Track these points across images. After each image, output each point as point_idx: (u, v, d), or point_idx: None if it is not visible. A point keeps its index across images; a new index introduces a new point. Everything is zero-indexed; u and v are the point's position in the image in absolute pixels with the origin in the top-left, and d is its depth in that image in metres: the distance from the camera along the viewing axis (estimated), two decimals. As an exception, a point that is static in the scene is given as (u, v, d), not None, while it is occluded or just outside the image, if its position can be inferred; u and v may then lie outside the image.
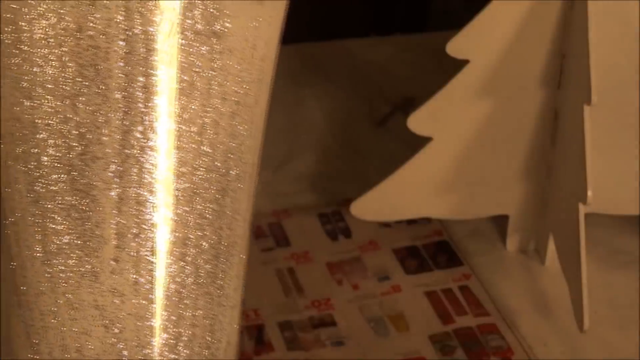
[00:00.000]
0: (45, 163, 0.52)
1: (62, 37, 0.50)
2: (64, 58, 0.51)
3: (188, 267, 0.54)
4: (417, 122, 0.93)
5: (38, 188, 0.52)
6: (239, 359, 0.62)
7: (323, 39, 1.35)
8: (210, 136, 0.54)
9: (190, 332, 0.55)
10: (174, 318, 0.54)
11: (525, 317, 0.94)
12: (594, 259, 0.96)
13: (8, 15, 0.50)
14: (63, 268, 0.53)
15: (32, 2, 0.50)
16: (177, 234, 0.54)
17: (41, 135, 0.52)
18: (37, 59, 0.51)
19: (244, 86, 0.55)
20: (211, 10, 0.52)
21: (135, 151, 0.52)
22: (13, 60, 0.51)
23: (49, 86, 0.51)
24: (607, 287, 0.96)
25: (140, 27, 0.51)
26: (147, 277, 0.53)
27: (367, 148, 1.17)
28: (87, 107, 0.51)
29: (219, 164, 0.55)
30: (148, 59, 0.51)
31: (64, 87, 0.51)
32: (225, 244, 0.56)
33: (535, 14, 0.88)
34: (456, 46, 0.89)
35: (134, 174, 0.52)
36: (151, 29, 0.51)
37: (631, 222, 1.02)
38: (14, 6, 0.50)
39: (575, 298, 0.87)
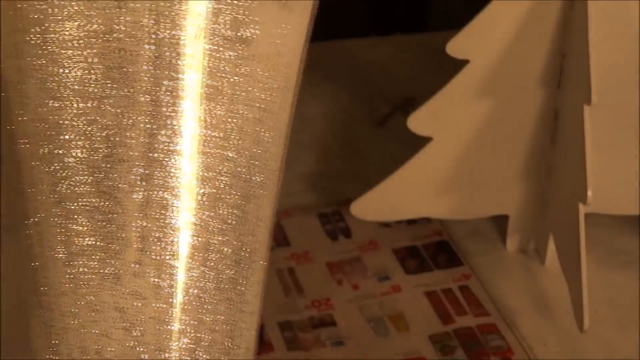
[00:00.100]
0: (70, 164, 0.52)
1: (90, 39, 0.50)
2: (91, 60, 0.51)
3: (210, 272, 0.54)
4: (417, 122, 0.93)
5: (62, 189, 0.52)
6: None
7: (323, 39, 1.35)
8: (235, 142, 0.54)
9: (210, 337, 0.55)
10: (194, 323, 0.54)
11: (525, 317, 0.94)
12: (594, 259, 0.96)
13: (36, 16, 0.50)
14: (85, 270, 0.53)
15: (61, 3, 0.50)
16: (199, 239, 0.53)
17: (66, 137, 0.52)
18: (65, 60, 0.51)
19: (270, 93, 0.55)
20: (239, 16, 0.52)
21: (160, 155, 0.52)
22: (40, 61, 0.51)
23: (76, 87, 0.51)
24: (607, 287, 0.96)
25: (167, 31, 0.51)
26: (169, 280, 0.53)
27: (367, 148, 1.17)
28: (114, 110, 0.51)
29: (243, 170, 0.54)
30: (174, 63, 0.51)
31: (90, 88, 0.51)
32: (247, 250, 0.56)
33: (535, 14, 0.88)
34: (456, 46, 0.89)
35: (159, 178, 0.52)
36: (178, 33, 0.51)
37: (631, 222, 1.02)
38: (43, 7, 0.50)
39: (575, 298, 0.87)
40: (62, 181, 0.52)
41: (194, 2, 0.51)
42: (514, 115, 0.94)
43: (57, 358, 0.54)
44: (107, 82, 0.51)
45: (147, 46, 0.50)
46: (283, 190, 1.19)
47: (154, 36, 0.50)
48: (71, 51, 0.51)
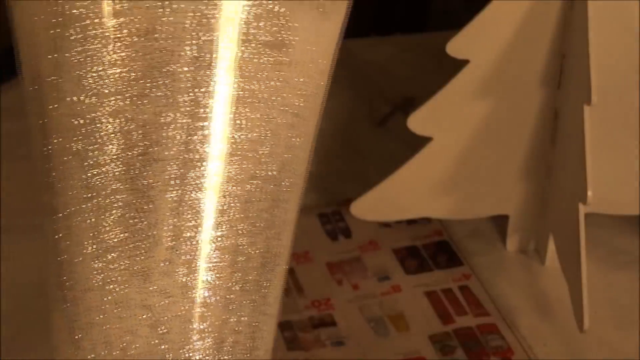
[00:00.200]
0: (104, 161, 0.52)
1: (132, 38, 0.51)
2: (131, 58, 0.51)
3: (236, 274, 0.55)
4: (417, 122, 0.93)
5: (95, 185, 0.52)
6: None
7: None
8: (268, 146, 0.54)
9: (233, 338, 0.55)
10: (218, 323, 0.54)
11: (525, 317, 0.94)
12: (594, 259, 0.96)
13: (77, 12, 0.51)
14: (114, 266, 0.53)
15: (104, 1, 0.50)
16: (229, 241, 0.54)
17: (102, 133, 0.52)
18: (104, 57, 0.51)
19: (303, 99, 0.55)
20: (279, 21, 0.52)
21: (195, 155, 0.52)
22: (78, 57, 0.51)
23: (114, 85, 0.51)
24: (607, 287, 0.96)
25: (208, 34, 0.51)
26: (197, 280, 0.53)
27: (367, 148, 1.17)
28: (152, 108, 0.51)
29: (274, 174, 0.55)
30: (214, 66, 0.51)
31: (129, 86, 0.51)
32: (273, 253, 0.56)
33: (535, 14, 0.88)
34: (456, 46, 0.89)
35: (193, 178, 0.52)
36: (218, 36, 0.51)
37: (631, 222, 1.02)
38: (85, 3, 0.50)
39: (575, 298, 0.87)
40: (95, 177, 0.52)
41: (235, 6, 0.51)
42: (514, 115, 0.94)
43: (79, 353, 0.54)
44: (147, 81, 0.51)
45: (188, 47, 0.51)
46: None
47: (195, 38, 0.51)
48: (111, 48, 0.51)
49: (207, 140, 0.52)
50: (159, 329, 0.53)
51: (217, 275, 0.54)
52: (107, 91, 0.51)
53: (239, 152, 0.53)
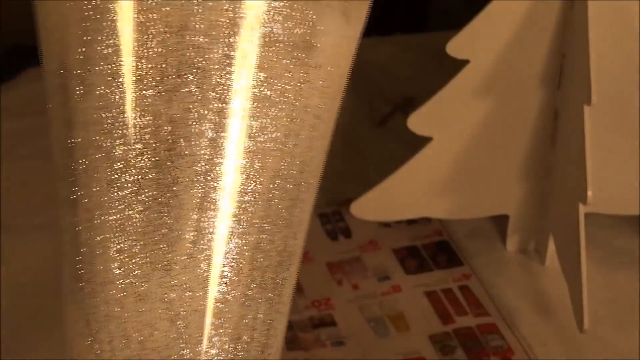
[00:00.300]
0: (130, 154, 0.52)
1: (165, 34, 0.51)
2: (163, 53, 0.51)
3: (255, 272, 0.55)
4: (417, 122, 0.93)
5: (119, 177, 0.53)
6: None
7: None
8: (291, 146, 0.55)
9: (248, 335, 0.56)
10: (236, 319, 0.55)
11: (525, 317, 0.94)
12: (594, 259, 0.96)
13: (109, 5, 0.51)
14: (136, 260, 0.53)
15: None
16: (250, 238, 0.54)
17: (129, 127, 0.52)
18: (135, 51, 0.51)
19: (324, 101, 0.56)
20: (307, 24, 0.53)
21: (221, 152, 0.53)
22: (107, 50, 0.52)
23: (144, 79, 0.52)
24: (607, 287, 0.96)
25: (239, 32, 0.52)
26: (217, 276, 0.54)
27: (367, 148, 1.17)
28: (181, 104, 0.52)
29: (295, 174, 0.56)
30: (242, 64, 0.52)
31: (160, 80, 0.51)
32: (289, 252, 0.57)
33: (535, 14, 0.88)
34: (456, 46, 0.89)
35: (218, 175, 0.53)
36: (248, 35, 0.52)
37: (631, 222, 1.02)
38: None
39: (575, 298, 0.87)
40: (121, 171, 0.53)
41: (265, 7, 0.52)
42: (514, 115, 0.94)
43: (97, 346, 0.54)
44: (178, 76, 0.51)
45: (220, 45, 0.51)
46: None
47: (226, 36, 0.51)
48: (143, 43, 0.51)
49: (233, 137, 0.53)
50: (177, 323, 0.54)
51: (237, 271, 0.54)
52: (137, 86, 0.52)
53: (263, 151, 0.54)
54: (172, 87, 0.52)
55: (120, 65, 0.52)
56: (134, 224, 0.53)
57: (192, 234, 0.53)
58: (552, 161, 0.95)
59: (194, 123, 0.52)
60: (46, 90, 0.55)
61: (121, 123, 0.52)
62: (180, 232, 0.53)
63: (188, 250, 0.53)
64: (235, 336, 0.55)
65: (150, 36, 0.51)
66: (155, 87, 0.52)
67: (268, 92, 0.53)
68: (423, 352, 0.90)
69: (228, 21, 0.51)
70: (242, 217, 0.54)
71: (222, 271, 0.54)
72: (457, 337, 0.91)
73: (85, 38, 0.52)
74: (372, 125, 1.21)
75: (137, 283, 0.53)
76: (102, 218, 0.53)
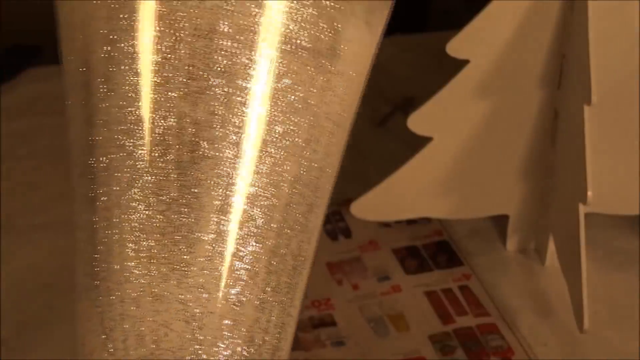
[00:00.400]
0: (153, 155, 0.52)
1: (193, 36, 0.51)
2: (190, 55, 0.51)
3: (271, 276, 0.55)
4: (417, 122, 0.93)
5: (140, 178, 0.53)
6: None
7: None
8: (311, 152, 0.55)
9: (261, 338, 0.56)
10: (250, 322, 0.55)
11: (525, 317, 0.94)
12: (594, 259, 0.96)
13: (136, 5, 0.51)
14: (154, 260, 0.53)
15: None
16: (267, 242, 0.55)
17: (153, 128, 0.52)
18: (163, 52, 0.51)
19: (343, 108, 0.57)
20: (332, 31, 0.54)
21: (243, 155, 0.53)
22: (132, 49, 0.52)
23: (170, 79, 0.52)
24: (607, 287, 0.96)
25: (267, 39, 0.52)
26: (234, 279, 0.54)
27: (367, 148, 1.17)
28: (206, 106, 0.52)
29: (313, 180, 0.56)
30: (268, 70, 0.52)
31: (186, 83, 0.52)
32: (303, 256, 0.57)
33: (535, 14, 0.88)
34: (456, 46, 0.88)
35: (239, 178, 0.53)
36: (275, 41, 0.52)
37: (631, 222, 1.02)
38: None
39: (575, 298, 0.87)
40: (142, 170, 0.53)
41: (293, 14, 0.52)
42: (513, 115, 0.94)
43: (110, 345, 0.54)
44: (205, 79, 0.52)
45: (247, 50, 0.52)
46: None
47: (255, 41, 0.52)
48: (170, 44, 0.51)
49: (255, 142, 0.53)
50: (193, 324, 0.53)
51: (253, 275, 0.54)
52: (162, 87, 0.52)
53: (284, 156, 0.54)
54: (198, 90, 0.52)
55: (145, 65, 0.52)
56: (154, 224, 0.53)
57: (211, 236, 0.53)
58: (552, 161, 0.95)
59: (218, 126, 0.52)
60: (65, 87, 0.55)
61: (144, 123, 0.52)
62: (199, 234, 0.53)
63: (207, 252, 0.53)
64: (248, 338, 0.55)
65: (178, 38, 0.51)
66: (181, 89, 0.52)
67: (292, 98, 0.53)
68: (423, 352, 0.90)
69: (256, 26, 0.51)
70: (261, 221, 0.54)
71: (239, 274, 0.54)
72: (457, 337, 0.91)
73: (111, 37, 0.52)
74: (372, 125, 1.21)
75: (154, 283, 0.53)
76: (122, 217, 0.53)
